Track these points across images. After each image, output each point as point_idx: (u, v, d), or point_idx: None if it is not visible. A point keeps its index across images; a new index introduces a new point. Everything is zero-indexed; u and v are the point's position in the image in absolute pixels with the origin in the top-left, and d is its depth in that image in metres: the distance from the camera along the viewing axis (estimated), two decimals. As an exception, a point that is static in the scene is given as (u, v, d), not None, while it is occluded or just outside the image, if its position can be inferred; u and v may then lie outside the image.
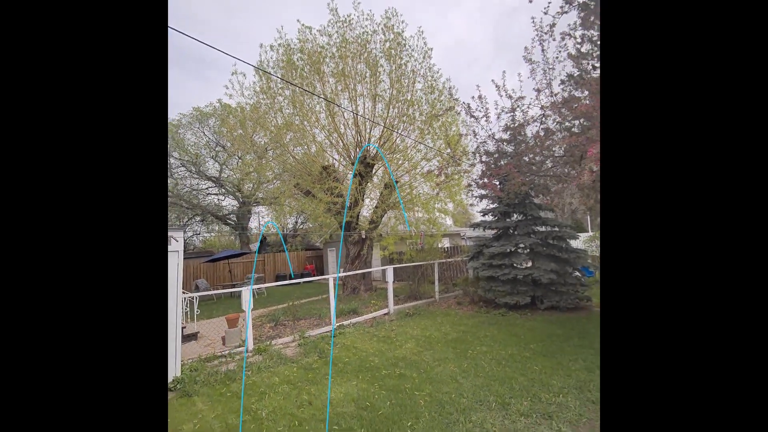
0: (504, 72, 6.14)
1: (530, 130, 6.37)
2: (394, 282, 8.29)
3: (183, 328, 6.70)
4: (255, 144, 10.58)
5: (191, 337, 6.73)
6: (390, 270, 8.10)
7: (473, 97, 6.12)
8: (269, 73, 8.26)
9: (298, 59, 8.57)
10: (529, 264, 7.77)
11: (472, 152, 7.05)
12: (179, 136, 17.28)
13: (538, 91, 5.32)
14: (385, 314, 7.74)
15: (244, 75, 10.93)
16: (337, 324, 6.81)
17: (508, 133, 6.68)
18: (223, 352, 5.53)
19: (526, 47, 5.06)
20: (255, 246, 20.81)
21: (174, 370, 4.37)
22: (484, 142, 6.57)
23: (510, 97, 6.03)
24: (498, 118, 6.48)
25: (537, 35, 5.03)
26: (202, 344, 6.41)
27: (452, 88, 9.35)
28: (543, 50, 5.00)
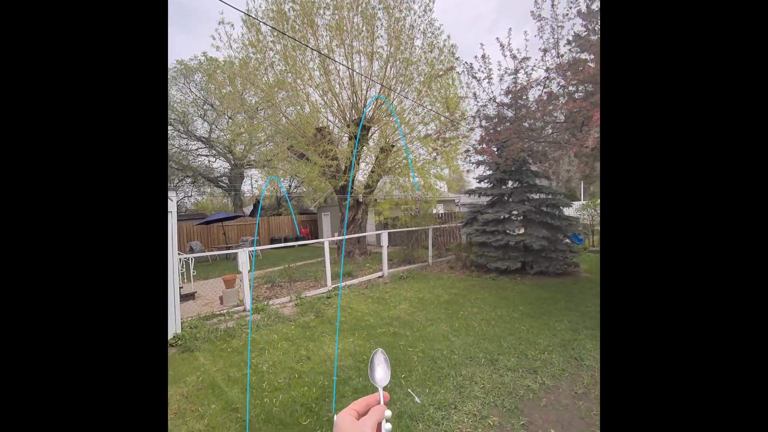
0: (510, 30, 5.80)
1: (533, 94, 6.18)
2: (388, 246, 8.41)
3: (180, 288, 6.80)
4: (245, 103, 10.11)
5: (189, 297, 6.86)
6: (385, 234, 8.18)
7: (476, 57, 5.84)
8: (258, 21, 7.67)
9: (289, 9, 7.95)
10: (522, 231, 7.91)
11: (472, 116, 6.87)
12: (164, 92, 16.38)
13: (545, 51, 5.08)
14: (379, 277, 7.93)
15: (232, 25, 10.15)
16: (333, 286, 6.97)
17: (510, 96, 6.48)
18: (221, 311, 5.67)
19: (536, 0, 4.74)
20: (248, 209, 20.68)
21: (174, 328, 4.50)
22: (485, 105, 6.38)
23: (515, 57, 5.77)
24: (501, 80, 6.24)
25: (548, -12, 4.71)
26: (200, 303, 6.55)
27: (453, 47, 8.88)
28: (553, 5, 4.70)
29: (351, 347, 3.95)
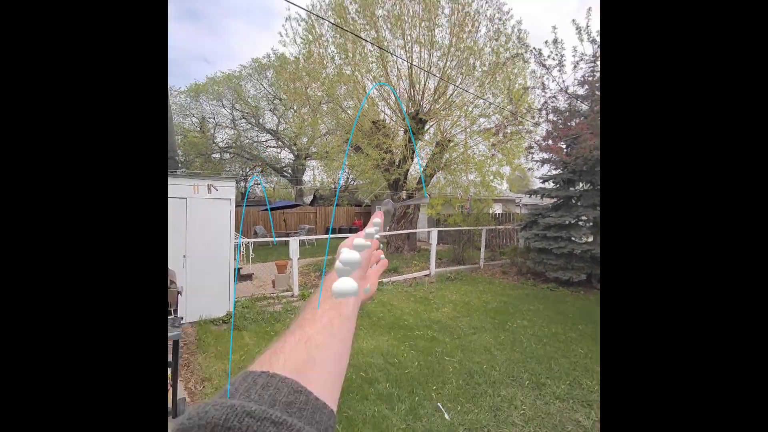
0: (590, 10, 5.04)
1: (614, 83, 5.35)
2: (438, 244, 8.13)
3: (240, 269, 7.40)
4: (309, 97, 10.53)
5: (247, 278, 7.43)
6: (434, 232, 7.92)
7: (546, 42, 5.22)
8: (321, 18, 7.86)
9: (350, 2, 7.98)
10: (590, 239, 7.02)
11: (538, 109, 6.21)
12: (240, 87, 17.89)
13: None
14: (425, 275, 7.72)
15: (298, 21, 10.52)
16: (379, 279, 6.96)
17: (585, 87, 5.71)
18: (272, 294, 6.02)
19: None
20: (308, 198, 21.85)
21: (228, 306, 4.87)
22: (554, 97, 5.72)
23: (594, 41, 5.03)
24: (575, 68, 5.53)
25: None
26: (256, 284, 7.05)
27: (522, 32, 8.12)
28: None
29: (384, 346, 3.86)
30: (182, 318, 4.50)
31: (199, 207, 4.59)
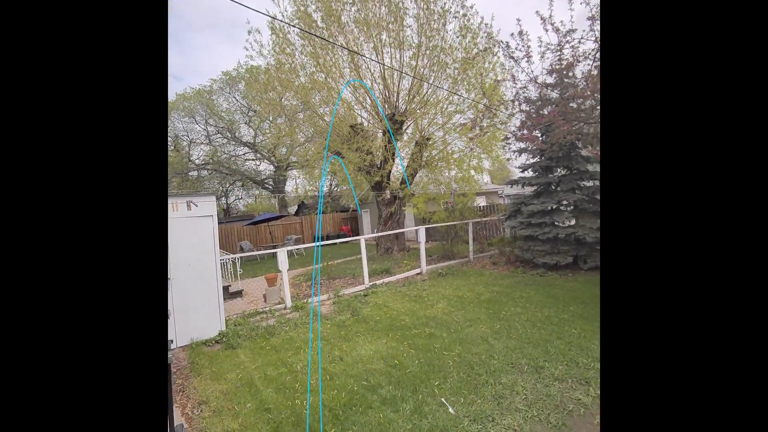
0: (552, 1, 5.20)
1: (580, 70, 5.54)
2: (427, 242, 8.18)
3: (228, 286, 7.23)
4: (284, 107, 10.42)
5: (237, 295, 7.26)
6: (422, 230, 7.96)
7: (512, 35, 5.34)
8: (287, 23, 7.79)
9: (314, 11, 7.97)
10: (573, 222, 7.21)
11: (510, 100, 6.35)
12: (212, 102, 17.53)
13: (593, 18, 4.49)
14: (417, 274, 7.75)
15: (259, 32, 10.27)
16: (371, 283, 6.94)
17: (554, 75, 5.88)
18: (264, 309, 5.91)
19: (579, -38, 4.19)
20: (293, 209, 21.60)
21: (219, 325, 4.75)
22: (525, 87, 5.85)
23: (558, 30, 5.19)
24: (542, 58, 5.68)
25: (594, -54, 4.13)
26: (246, 301, 6.90)
27: (489, 27, 8.30)
28: (601, -35, 4.11)
29: (384, 349, 3.85)
30: (172, 341, 4.36)
31: (180, 226, 4.47)
